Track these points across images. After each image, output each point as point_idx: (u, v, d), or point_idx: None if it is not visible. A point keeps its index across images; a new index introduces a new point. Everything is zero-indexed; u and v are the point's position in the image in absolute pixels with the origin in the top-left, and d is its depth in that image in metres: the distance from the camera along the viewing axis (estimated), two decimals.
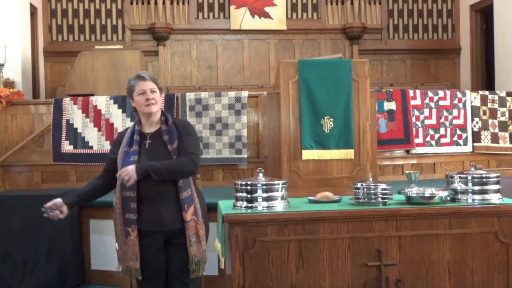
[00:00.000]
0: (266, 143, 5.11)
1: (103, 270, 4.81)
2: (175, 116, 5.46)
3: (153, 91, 2.83)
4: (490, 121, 6.16)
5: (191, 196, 2.80)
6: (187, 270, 2.82)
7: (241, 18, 9.05)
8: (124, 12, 9.05)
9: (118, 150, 2.87)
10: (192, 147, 2.83)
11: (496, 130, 6.17)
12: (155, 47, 9.04)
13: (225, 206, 3.00)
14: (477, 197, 3.07)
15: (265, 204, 3.00)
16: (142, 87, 2.83)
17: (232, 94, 5.67)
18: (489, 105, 6.18)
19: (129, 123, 5.62)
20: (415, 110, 5.93)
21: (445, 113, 6.02)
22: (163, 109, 3.04)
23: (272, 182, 3.03)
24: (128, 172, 2.66)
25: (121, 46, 8.06)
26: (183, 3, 9.08)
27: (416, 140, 5.90)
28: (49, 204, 2.81)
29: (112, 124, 5.67)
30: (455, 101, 6.07)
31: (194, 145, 2.86)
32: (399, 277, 2.95)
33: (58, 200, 2.82)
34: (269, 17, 9.08)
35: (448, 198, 3.11)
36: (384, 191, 3.05)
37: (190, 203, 2.78)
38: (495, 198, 3.07)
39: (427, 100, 5.98)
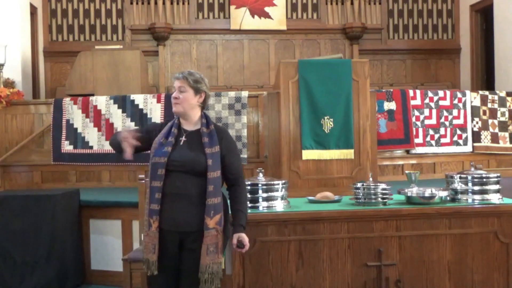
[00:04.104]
0: (266, 143, 5.11)
1: (103, 270, 4.81)
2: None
3: (181, 91, 2.80)
4: (490, 121, 6.16)
5: (219, 204, 2.71)
6: (198, 278, 2.70)
7: (241, 18, 9.05)
8: (124, 12, 9.05)
9: (155, 136, 2.82)
10: (240, 169, 2.87)
11: (496, 130, 6.18)
12: (155, 47, 9.03)
13: None
14: (477, 197, 3.07)
15: (265, 204, 3.01)
16: (174, 85, 2.83)
17: (232, 94, 5.67)
18: (489, 105, 6.18)
19: (129, 123, 5.63)
20: (415, 110, 5.93)
21: (445, 113, 6.02)
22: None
23: (272, 182, 3.03)
24: (245, 240, 2.73)
25: (121, 46, 8.06)
26: (183, 3, 9.08)
27: (416, 140, 5.91)
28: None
29: (112, 124, 5.66)
30: (455, 101, 6.07)
31: (240, 163, 2.91)
32: (399, 277, 2.95)
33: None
34: (269, 17, 9.08)
35: (448, 198, 3.12)
36: (384, 191, 3.05)
37: (218, 211, 2.69)
38: (495, 198, 3.07)
39: (427, 100, 5.98)
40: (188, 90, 2.79)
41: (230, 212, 2.81)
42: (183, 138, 2.79)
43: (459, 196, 3.10)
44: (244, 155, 5.55)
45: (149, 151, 2.83)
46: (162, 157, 2.71)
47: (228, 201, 2.84)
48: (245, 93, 5.67)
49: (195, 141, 2.77)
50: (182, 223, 2.69)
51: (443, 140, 6.01)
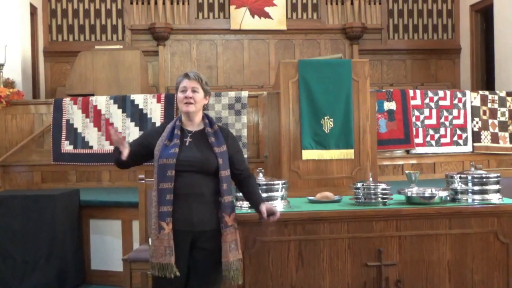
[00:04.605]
0: (266, 143, 5.11)
1: (103, 270, 4.81)
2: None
3: (194, 91, 2.80)
4: (490, 121, 6.16)
5: (233, 202, 2.78)
6: (208, 277, 2.73)
7: (241, 18, 9.05)
8: (124, 12, 9.05)
9: (156, 140, 2.81)
10: (247, 164, 2.97)
11: (496, 130, 6.18)
12: (155, 47, 9.03)
13: None
14: (477, 197, 3.07)
15: None
16: (184, 84, 2.82)
17: (232, 94, 5.67)
18: (489, 105, 6.18)
19: (129, 123, 5.63)
20: (415, 110, 5.93)
21: (445, 113, 6.02)
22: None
23: (272, 182, 3.03)
24: (276, 212, 2.73)
25: (121, 46, 8.05)
26: (183, 3, 9.08)
27: (416, 140, 5.91)
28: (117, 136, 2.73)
29: (112, 124, 5.66)
30: (455, 101, 6.07)
31: (244, 157, 3.01)
32: (399, 277, 2.95)
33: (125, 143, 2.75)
34: (269, 17, 9.08)
35: (448, 198, 3.11)
36: (384, 191, 3.05)
37: (233, 208, 2.76)
38: (495, 198, 3.07)
39: (427, 100, 5.98)
40: (200, 91, 2.81)
41: (248, 200, 2.85)
42: (188, 139, 2.79)
43: (459, 196, 3.10)
44: (244, 155, 5.54)
45: (149, 162, 2.83)
46: (170, 158, 2.69)
47: (235, 194, 2.89)
48: (245, 93, 5.67)
49: (201, 141, 2.78)
50: (198, 223, 2.69)
51: (443, 140, 6.01)
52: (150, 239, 2.78)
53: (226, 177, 2.72)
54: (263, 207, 2.71)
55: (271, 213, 2.70)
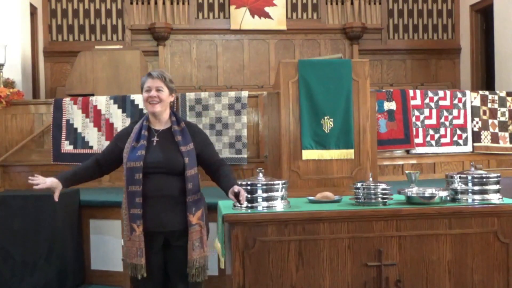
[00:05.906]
0: (266, 143, 5.11)
1: (103, 270, 4.81)
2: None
3: (158, 90, 2.81)
4: (490, 121, 6.16)
5: (200, 200, 2.80)
6: (187, 273, 2.80)
7: (241, 18, 9.05)
8: (124, 12, 9.05)
9: (125, 142, 2.84)
10: (219, 156, 2.98)
11: (496, 130, 6.18)
12: (155, 47, 9.04)
13: (225, 206, 3.00)
14: (477, 197, 3.06)
15: (265, 204, 3.00)
16: (148, 84, 2.83)
17: (232, 94, 5.67)
18: (489, 105, 6.18)
19: (129, 123, 5.62)
20: (415, 110, 5.93)
21: (445, 113, 6.02)
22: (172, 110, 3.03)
23: (272, 182, 3.03)
24: (243, 191, 2.72)
25: (121, 46, 8.06)
26: (183, 3, 9.08)
27: (416, 140, 5.91)
28: (38, 180, 2.74)
29: (112, 124, 5.67)
30: (455, 101, 6.07)
31: (215, 149, 3.02)
32: (399, 277, 2.95)
33: (51, 180, 2.76)
34: (269, 17, 9.08)
35: (448, 198, 3.11)
36: (384, 191, 3.05)
37: (199, 207, 2.78)
38: (495, 198, 3.07)
39: (427, 100, 5.98)
40: (165, 89, 2.85)
41: (221, 183, 2.86)
42: (155, 139, 2.82)
43: (459, 196, 3.10)
44: (244, 155, 5.55)
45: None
46: (138, 161, 2.72)
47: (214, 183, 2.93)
48: (245, 93, 5.67)
49: (168, 141, 2.80)
50: (168, 223, 2.74)
51: (443, 140, 6.01)
52: (122, 241, 2.82)
53: (192, 176, 2.75)
54: (236, 188, 2.70)
55: (237, 196, 2.70)
